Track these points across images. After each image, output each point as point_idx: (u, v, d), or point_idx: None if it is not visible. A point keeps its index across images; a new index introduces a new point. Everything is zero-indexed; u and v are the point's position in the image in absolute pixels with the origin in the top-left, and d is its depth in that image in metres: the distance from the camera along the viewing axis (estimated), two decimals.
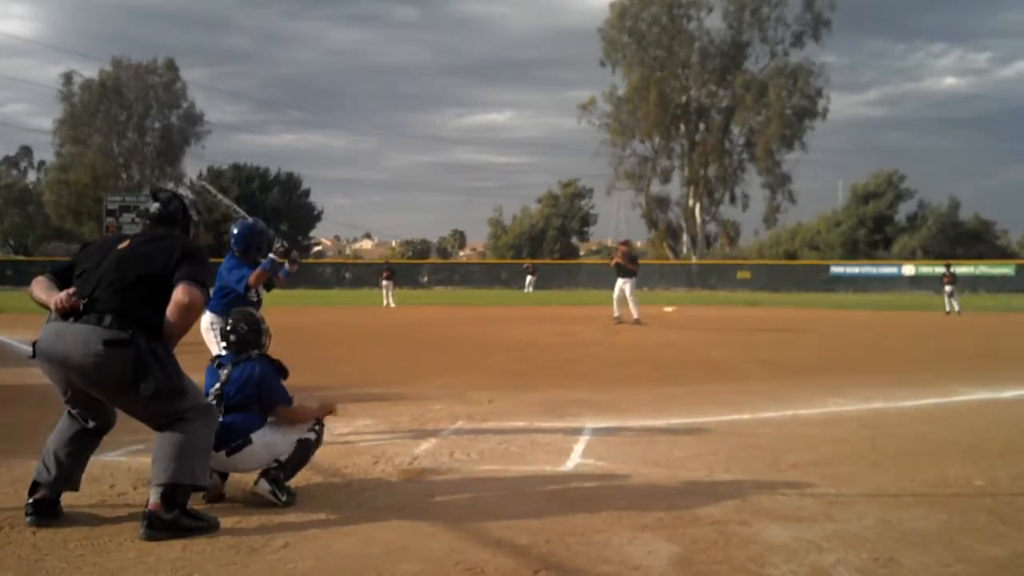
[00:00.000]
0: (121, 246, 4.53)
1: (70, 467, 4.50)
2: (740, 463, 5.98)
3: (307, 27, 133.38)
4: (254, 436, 4.90)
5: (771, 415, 8.09)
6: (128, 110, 70.34)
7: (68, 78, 68.38)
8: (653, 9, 63.44)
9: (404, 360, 13.63)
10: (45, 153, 77.61)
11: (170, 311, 4.36)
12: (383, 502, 4.94)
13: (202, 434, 4.47)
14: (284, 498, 4.83)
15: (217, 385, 5.02)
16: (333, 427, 7.14)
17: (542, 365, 12.80)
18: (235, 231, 6.69)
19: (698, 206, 66.18)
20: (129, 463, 5.86)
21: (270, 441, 4.95)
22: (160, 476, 4.29)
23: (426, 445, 6.58)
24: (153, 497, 4.26)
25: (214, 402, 4.88)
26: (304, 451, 5.07)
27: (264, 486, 4.86)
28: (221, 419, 4.78)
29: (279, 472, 4.92)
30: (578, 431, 7.16)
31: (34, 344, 4.38)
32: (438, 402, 8.67)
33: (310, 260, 71.28)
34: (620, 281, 20.59)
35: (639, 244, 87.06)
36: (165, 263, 4.43)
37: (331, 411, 5.37)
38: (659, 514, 4.64)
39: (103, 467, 5.58)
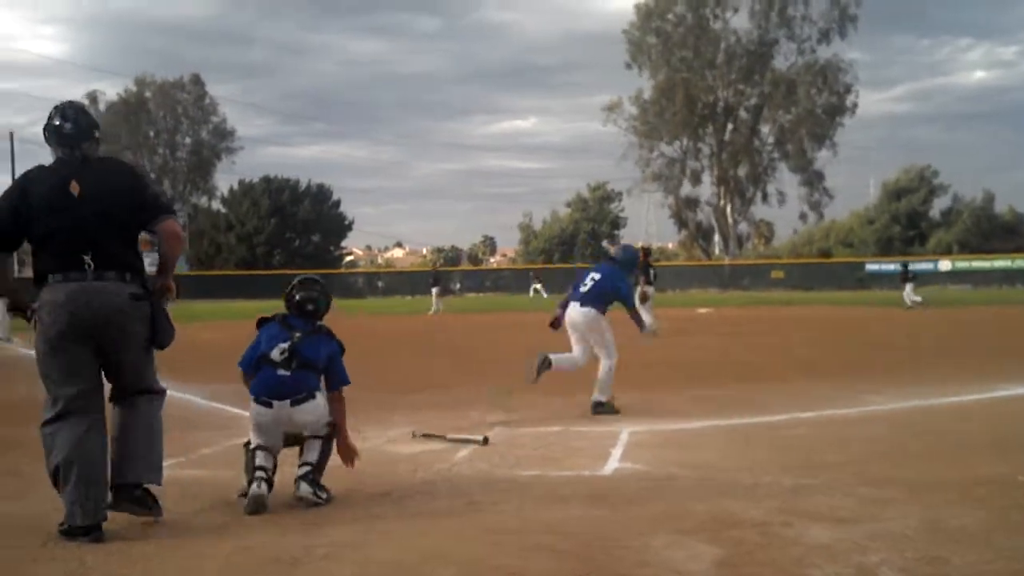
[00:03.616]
0: (75, 191, 4.46)
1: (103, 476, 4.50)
2: (778, 464, 5.93)
3: (328, 39, 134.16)
4: (317, 394, 5.17)
5: (807, 415, 8.01)
6: (156, 126, 71.28)
7: (93, 98, 69.41)
8: (678, 9, 63.21)
9: (439, 367, 13.66)
10: None
11: (171, 246, 4.68)
12: (422, 509, 4.94)
13: (160, 428, 4.77)
14: (324, 496, 5.04)
15: (286, 344, 5.16)
16: (369, 435, 7.18)
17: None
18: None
19: (729, 206, 65.79)
20: (170, 476, 5.89)
21: (325, 408, 5.20)
22: (141, 475, 4.55)
23: (464, 451, 6.58)
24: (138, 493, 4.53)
25: (281, 357, 5.09)
26: (328, 448, 5.22)
27: (306, 489, 4.99)
28: (288, 374, 5.08)
29: (314, 473, 5.06)
30: (615, 435, 7.13)
31: (40, 310, 4.41)
32: (474, 408, 8.68)
33: (342, 270, 71.73)
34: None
35: (670, 246, 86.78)
36: (130, 199, 4.56)
37: (351, 456, 5.42)
38: (700, 517, 4.60)
39: None
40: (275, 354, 5.14)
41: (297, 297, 5.44)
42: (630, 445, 6.73)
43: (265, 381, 5.13)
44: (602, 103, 67.35)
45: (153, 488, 4.70)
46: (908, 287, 29.40)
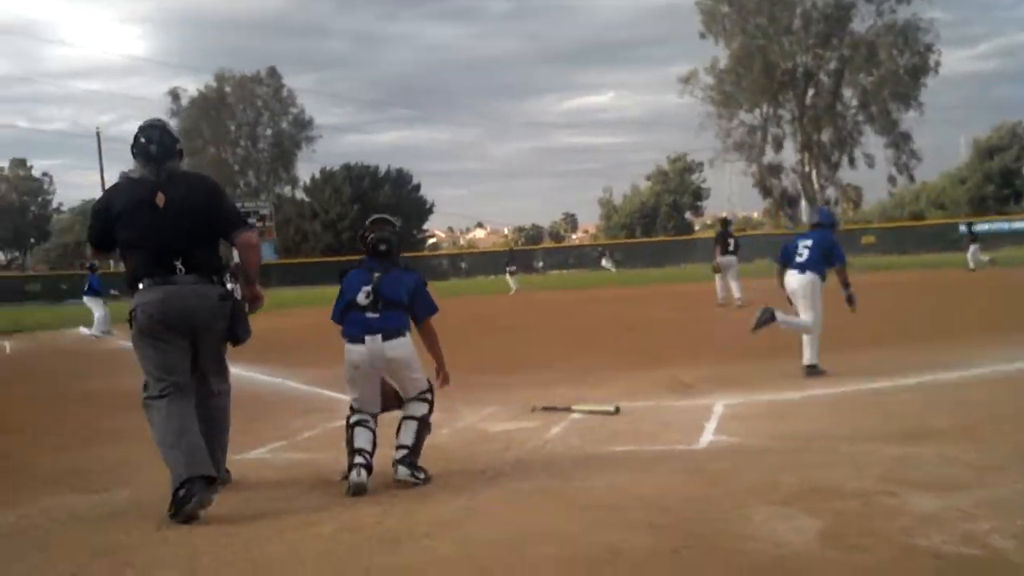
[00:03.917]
0: (161, 202, 4.86)
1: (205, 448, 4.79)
2: (881, 432, 5.79)
3: (404, 27, 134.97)
4: (407, 332, 5.26)
5: (910, 381, 7.79)
6: (236, 120, 72.85)
7: (175, 95, 71.22)
8: None
9: (526, 345, 13.71)
10: None
11: (250, 255, 5.16)
12: (518, 486, 4.96)
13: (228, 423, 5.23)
14: (423, 476, 5.11)
15: (368, 288, 5.25)
16: (462, 415, 7.25)
17: (664, 343, 12.69)
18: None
19: (814, 172, 64.25)
20: (273, 460, 6.06)
21: (414, 351, 5.28)
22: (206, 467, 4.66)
23: (556, 429, 6.59)
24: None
25: (367, 300, 5.20)
26: (424, 430, 5.25)
27: (404, 472, 5.07)
28: (377, 315, 5.18)
29: (411, 456, 5.12)
30: (708, 408, 7.06)
31: (136, 310, 4.83)
32: (562, 386, 8.68)
33: (425, 253, 72.42)
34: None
35: (755, 215, 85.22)
36: (210, 211, 4.99)
37: (446, 379, 5.50)
38: (799, 488, 4.52)
39: (246, 465, 5.78)
40: (360, 298, 5.24)
41: (370, 238, 5.50)
42: (725, 417, 6.66)
43: (355, 322, 5.24)
44: (678, 74, 66.11)
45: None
46: (973, 248, 28.92)
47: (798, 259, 8.87)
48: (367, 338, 5.16)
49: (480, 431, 6.70)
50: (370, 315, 5.20)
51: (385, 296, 5.23)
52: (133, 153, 5.01)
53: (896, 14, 60.55)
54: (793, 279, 8.84)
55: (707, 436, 6.07)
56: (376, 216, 5.69)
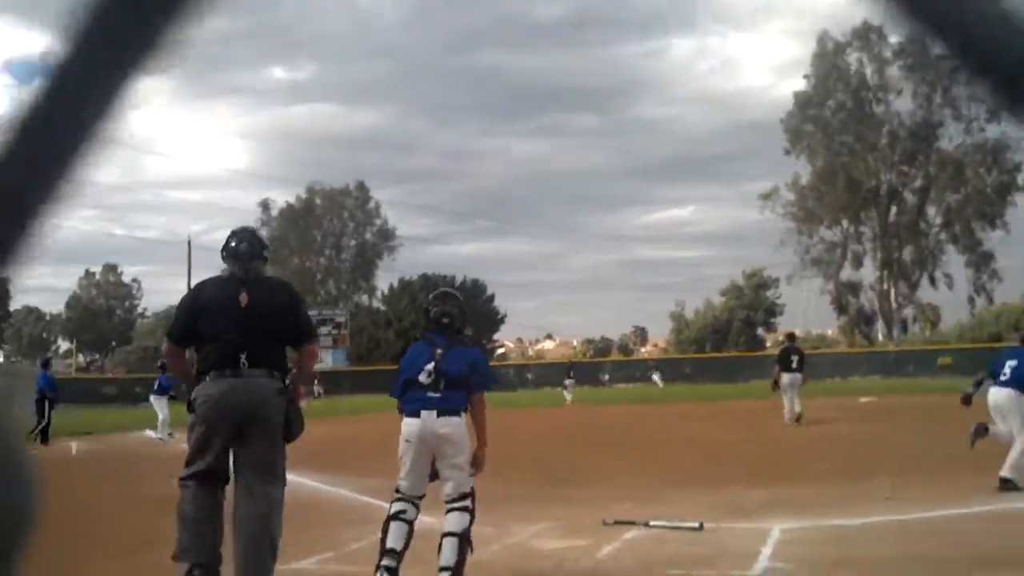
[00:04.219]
0: (243, 301, 5.15)
1: (216, 539, 4.97)
2: (948, 564, 5.58)
3: (493, 143, 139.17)
4: (463, 414, 5.26)
5: (980, 509, 7.49)
6: (323, 230, 75.23)
7: (265, 205, 73.99)
8: (838, 96, 62.36)
9: (585, 459, 13.55)
10: None
11: (307, 362, 5.54)
12: None
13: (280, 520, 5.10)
14: None
15: (431, 365, 5.26)
16: (513, 530, 7.17)
17: (727, 462, 12.41)
18: None
19: (893, 290, 63.26)
20: (318, 571, 6.05)
21: (466, 435, 5.27)
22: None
23: (608, 548, 6.47)
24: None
25: (429, 379, 5.20)
26: (466, 547, 5.14)
27: None
28: (438, 395, 5.19)
29: (458, 570, 5.02)
30: (765, 532, 6.86)
31: (195, 399, 5.07)
32: (620, 503, 8.53)
33: (494, 363, 72.63)
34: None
35: (829, 332, 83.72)
36: (287, 317, 5.27)
37: (482, 459, 5.41)
38: None
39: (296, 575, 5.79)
40: (423, 377, 5.26)
41: (433, 312, 5.55)
42: (782, 542, 6.46)
43: (414, 399, 5.27)
44: (761, 190, 66.36)
45: None
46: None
47: (1002, 377, 9.24)
48: (423, 412, 5.18)
49: (530, 548, 6.61)
50: (431, 394, 5.22)
51: (448, 374, 5.25)
52: (223, 256, 5.36)
53: (985, 132, 60.37)
54: (998, 395, 9.21)
55: (762, 562, 5.90)
56: (440, 289, 5.78)
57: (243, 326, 5.07)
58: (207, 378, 5.06)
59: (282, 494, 5.13)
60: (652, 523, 7.07)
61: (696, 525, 6.89)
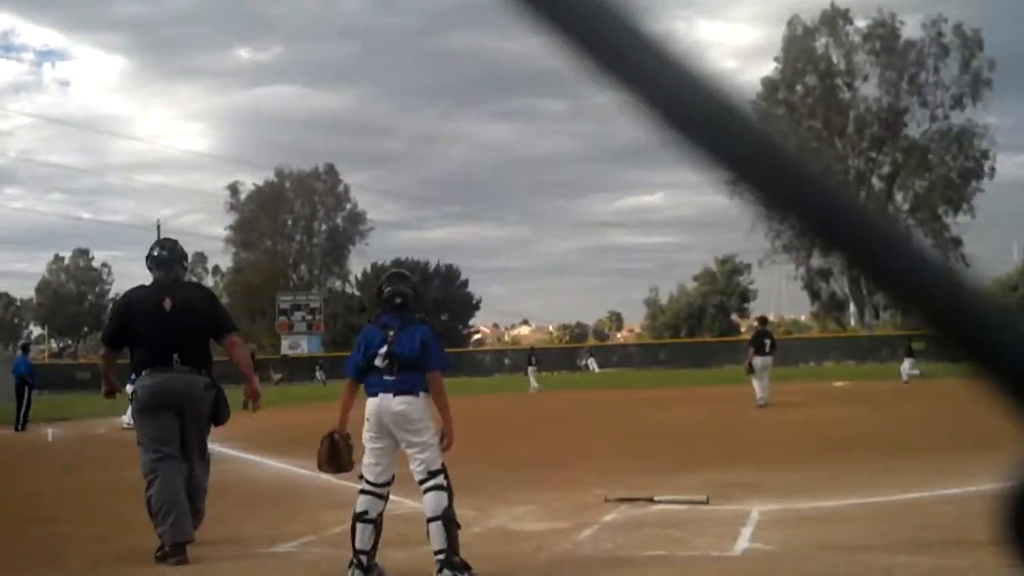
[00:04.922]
0: (168, 305, 6.00)
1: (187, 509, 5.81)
2: (921, 545, 5.65)
3: (461, 127, 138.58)
4: (421, 394, 5.27)
5: (952, 492, 7.58)
6: (293, 214, 74.66)
7: (234, 189, 73.30)
8: (807, 80, 62.71)
9: (563, 445, 13.60)
10: (216, 259, 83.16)
11: (240, 355, 6.43)
12: None
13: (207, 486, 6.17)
14: (466, 574, 5.05)
15: (384, 349, 5.27)
16: (494, 514, 7.20)
17: (703, 446, 12.52)
18: None
19: (863, 275, 63.74)
20: (300, 554, 6.05)
21: (425, 413, 5.28)
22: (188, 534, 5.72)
23: (588, 531, 6.51)
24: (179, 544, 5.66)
25: (384, 363, 5.22)
26: (452, 527, 5.13)
27: (447, 574, 4.99)
28: (393, 378, 5.21)
29: (449, 555, 5.03)
30: (744, 513, 6.92)
31: (136, 391, 6.01)
32: (598, 487, 8.58)
33: (470, 348, 72.62)
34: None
35: (802, 318, 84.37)
36: (210, 318, 6.20)
37: (450, 440, 5.41)
38: None
39: (275, 559, 5.79)
40: (378, 361, 5.27)
41: (386, 291, 5.54)
42: (761, 524, 6.52)
43: (373, 382, 5.29)
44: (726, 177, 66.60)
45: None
46: (908, 362, 29.18)
47: None
48: (380, 395, 5.22)
49: (511, 531, 6.64)
50: (386, 377, 5.25)
51: (400, 356, 5.26)
52: (147, 264, 6.24)
53: (950, 120, 61.00)
54: None
55: (742, 543, 5.95)
56: (393, 270, 5.79)
57: (169, 327, 5.94)
58: (144, 373, 5.96)
59: (207, 470, 6.21)
60: (657, 499, 7.12)
61: (703, 499, 6.96)
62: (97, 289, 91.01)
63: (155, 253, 6.23)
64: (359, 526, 5.14)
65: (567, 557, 5.74)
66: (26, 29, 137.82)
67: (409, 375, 5.26)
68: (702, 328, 73.64)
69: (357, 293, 72.46)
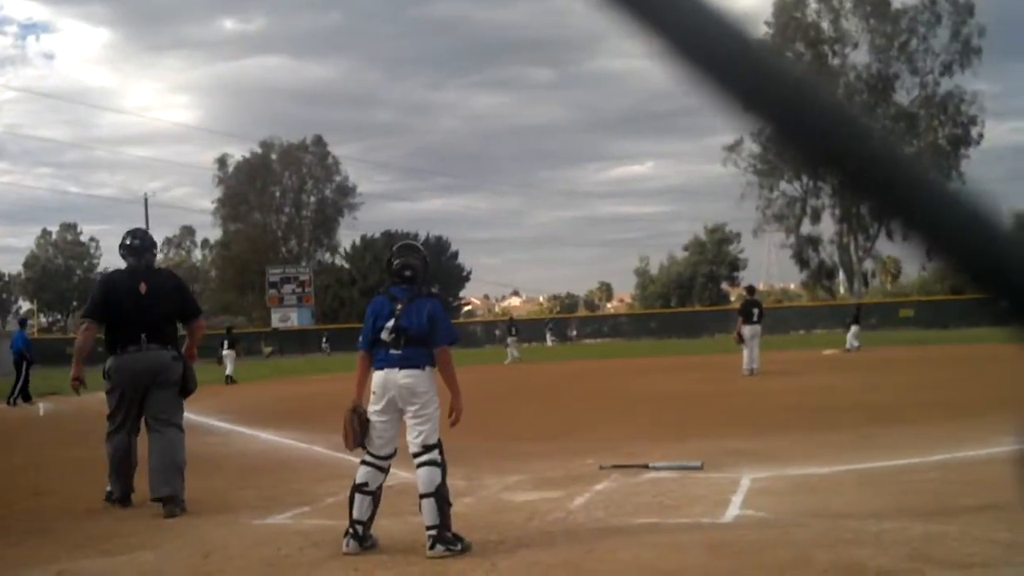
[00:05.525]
0: (143, 289, 6.73)
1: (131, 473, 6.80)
2: (908, 509, 5.70)
3: (449, 96, 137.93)
4: (427, 368, 5.28)
5: (939, 458, 7.65)
6: (281, 186, 74.20)
7: (222, 161, 72.77)
8: (796, 47, 62.47)
9: (554, 414, 13.66)
10: (205, 232, 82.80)
11: (196, 336, 7.25)
12: (540, 558, 4.93)
13: (183, 452, 6.69)
14: (459, 547, 5.03)
15: (391, 323, 5.28)
16: (486, 483, 7.23)
17: (694, 414, 12.59)
18: None
19: (853, 244, 63.99)
20: (295, 526, 6.08)
21: (430, 387, 5.28)
22: (164, 489, 6.37)
23: (580, 500, 6.55)
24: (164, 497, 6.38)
25: (391, 336, 5.23)
26: (444, 504, 5.12)
27: (439, 550, 4.98)
28: (400, 352, 5.24)
29: (441, 531, 5.02)
30: (735, 481, 6.97)
31: (109, 369, 6.69)
32: (590, 456, 8.62)
33: (461, 320, 72.67)
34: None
35: (791, 286, 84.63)
36: (178, 300, 7.00)
37: (459, 413, 5.42)
38: (824, 565, 4.46)
39: (269, 530, 5.81)
40: (384, 335, 5.30)
41: (395, 264, 5.54)
42: (752, 491, 6.58)
43: (380, 356, 5.31)
44: (721, 144, 66.68)
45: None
46: (854, 329, 29.01)
47: None
48: (386, 369, 5.24)
49: (503, 500, 6.67)
50: (392, 351, 5.26)
51: (406, 330, 5.27)
52: (121, 253, 6.96)
53: (940, 86, 60.92)
54: None
55: (733, 510, 6.00)
56: (403, 242, 5.77)
57: (143, 308, 6.64)
58: (117, 351, 6.64)
59: (181, 433, 6.72)
60: (652, 465, 7.17)
61: (698, 464, 7.02)
62: (85, 263, 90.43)
63: (128, 242, 6.99)
64: (358, 497, 5.15)
65: (559, 526, 5.76)
66: (9, 2, 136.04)
67: (415, 349, 5.26)
68: (692, 298, 73.76)
69: (347, 265, 72.33)
